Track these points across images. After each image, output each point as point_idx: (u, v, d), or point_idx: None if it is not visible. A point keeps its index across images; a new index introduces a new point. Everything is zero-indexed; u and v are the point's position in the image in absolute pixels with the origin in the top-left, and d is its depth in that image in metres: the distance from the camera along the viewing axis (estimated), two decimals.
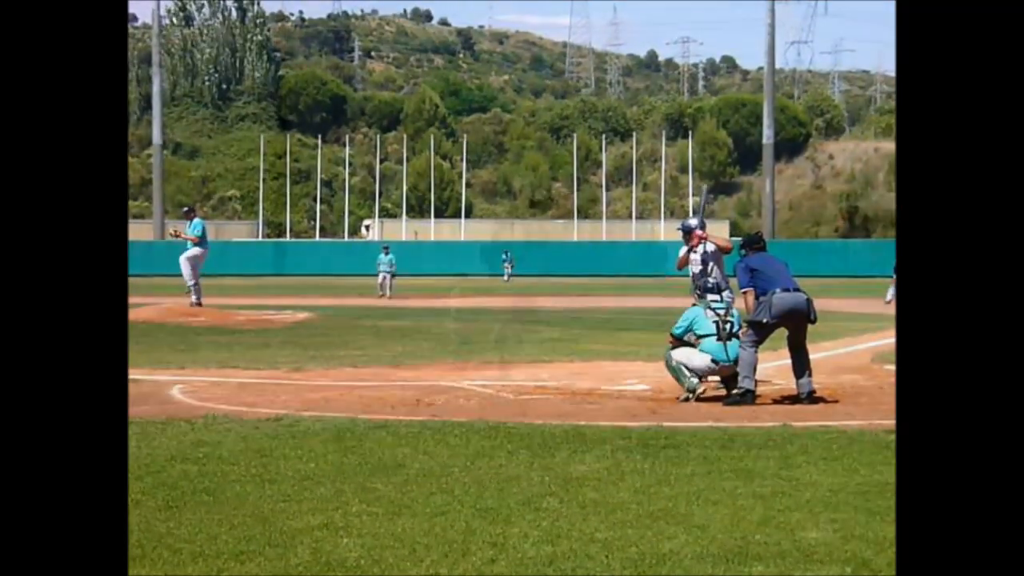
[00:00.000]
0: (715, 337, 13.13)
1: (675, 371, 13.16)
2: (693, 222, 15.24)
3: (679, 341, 13.39)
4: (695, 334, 13.26)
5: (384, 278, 41.99)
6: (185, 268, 28.09)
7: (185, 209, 30.25)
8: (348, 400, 12.99)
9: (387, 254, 42.81)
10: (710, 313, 13.30)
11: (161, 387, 14.05)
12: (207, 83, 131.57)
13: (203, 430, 10.71)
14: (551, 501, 7.73)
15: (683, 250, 15.08)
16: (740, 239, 14.16)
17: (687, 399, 12.94)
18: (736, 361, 12.96)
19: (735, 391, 12.75)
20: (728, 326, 13.20)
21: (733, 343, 13.11)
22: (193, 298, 28.15)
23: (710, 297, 13.50)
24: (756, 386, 12.85)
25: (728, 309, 13.39)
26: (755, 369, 12.85)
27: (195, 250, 28.16)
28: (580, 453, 9.51)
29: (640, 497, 7.85)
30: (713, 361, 13.04)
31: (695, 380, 12.99)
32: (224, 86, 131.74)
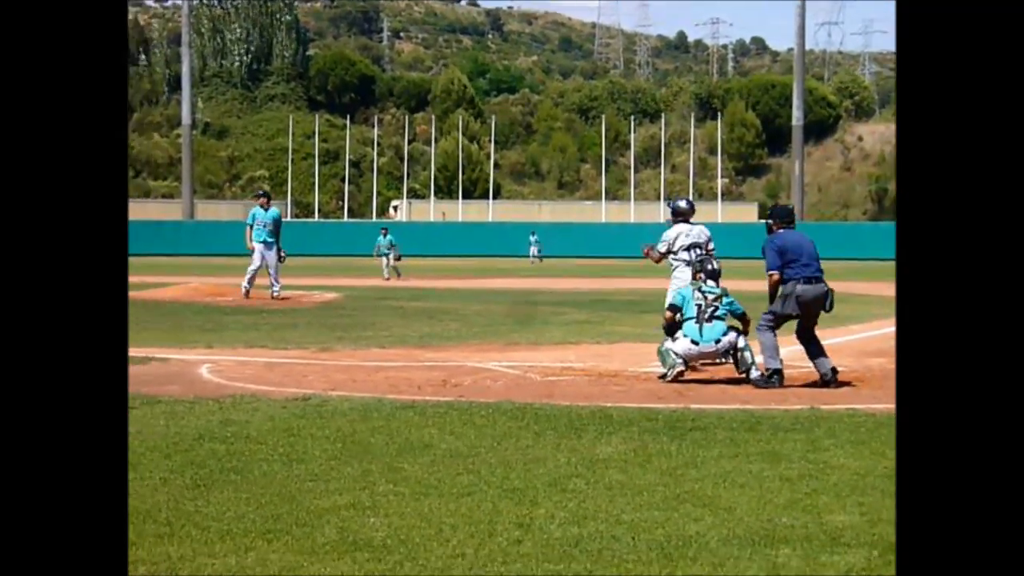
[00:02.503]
0: (694, 320, 13.19)
1: (662, 355, 13.26)
2: (683, 204, 15.31)
3: (673, 315, 13.57)
4: (681, 318, 13.34)
5: (386, 261, 41.57)
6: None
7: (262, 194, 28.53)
8: (375, 380, 13.02)
9: (385, 236, 42.47)
10: (698, 295, 13.39)
11: (189, 366, 14.11)
12: (236, 63, 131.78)
13: (231, 409, 10.76)
14: (577, 482, 7.74)
15: (662, 246, 14.89)
16: (770, 208, 13.93)
17: (663, 376, 13.10)
18: (718, 342, 13.10)
19: (763, 373, 12.71)
20: (711, 310, 13.24)
21: (714, 325, 13.19)
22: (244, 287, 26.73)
23: (709, 283, 13.60)
24: (783, 365, 12.81)
25: (719, 296, 13.42)
26: (778, 350, 12.80)
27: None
28: (606, 435, 9.51)
29: (666, 479, 7.85)
30: (692, 342, 13.09)
31: (680, 361, 13.05)
32: (253, 66, 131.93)
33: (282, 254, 26.76)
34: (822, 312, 12.96)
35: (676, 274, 14.62)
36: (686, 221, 14.99)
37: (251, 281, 26.51)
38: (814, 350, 12.89)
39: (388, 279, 39.94)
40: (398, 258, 42.00)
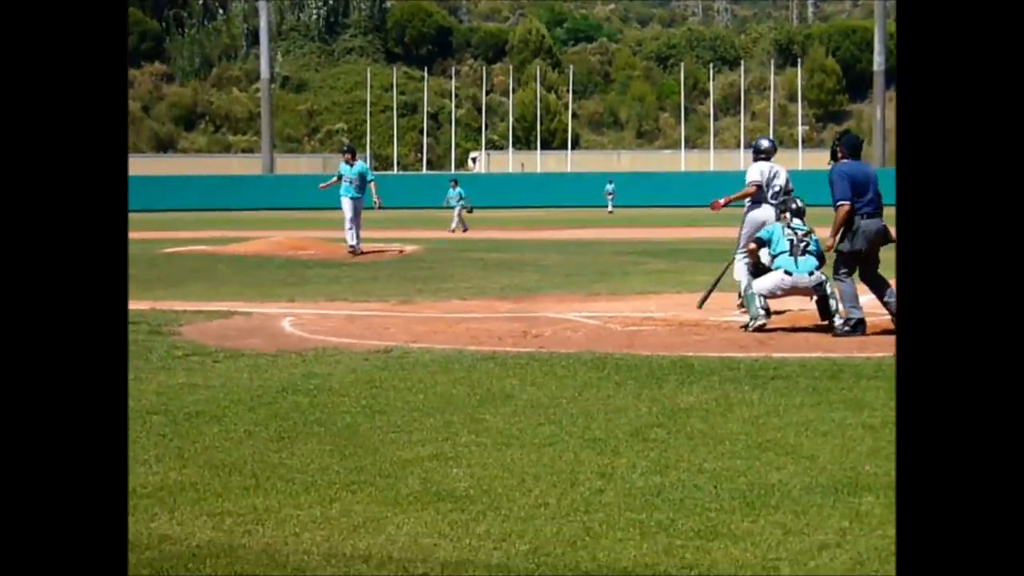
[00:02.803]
0: (787, 253, 13.15)
1: (748, 299, 13.24)
2: (765, 143, 15.35)
3: (759, 247, 13.57)
4: (770, 253, 13.29)
5: (456, 212, 41.56)
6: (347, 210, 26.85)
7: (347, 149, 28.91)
8: (456, 332, 13.07)
9: (455, 187, 42.41)
10: (789, 231, 13.34)
11: (271, 320, 14.24)
12: (314, 16, 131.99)
13: (313, 362, 10.85)
14: (659, 432, 7.74)
15: (757, 177, 14.93)
16: (835, 138, 13.78)
17: (745, 326, 13.03)
18: (811, 274, 13.04)
19: (846, 321, 12.59)
20: (803, 244, 13.17)
21: (807, 258, 13.14)
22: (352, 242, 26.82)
23: (795, 222, 13.54)
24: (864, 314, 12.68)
25: (809, 232, 13.36)
26: (858, 299, 12.67)
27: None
28: (688, 384, 9.50)
29: (748, 428, 7.84)
30: (786, 272, 13.03)
31: (763, 313, 12.95)
32: (331, 19, 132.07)
33: (377, 202, 27.12)
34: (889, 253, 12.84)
35: (753, 214, 14.67)
36: (767, 160, 15.08)
37: (354, 235, 26.86)
38: (884, 292, 12.74)
39: (454, 231, 40.04)
40: (470, 210, 42.01)
